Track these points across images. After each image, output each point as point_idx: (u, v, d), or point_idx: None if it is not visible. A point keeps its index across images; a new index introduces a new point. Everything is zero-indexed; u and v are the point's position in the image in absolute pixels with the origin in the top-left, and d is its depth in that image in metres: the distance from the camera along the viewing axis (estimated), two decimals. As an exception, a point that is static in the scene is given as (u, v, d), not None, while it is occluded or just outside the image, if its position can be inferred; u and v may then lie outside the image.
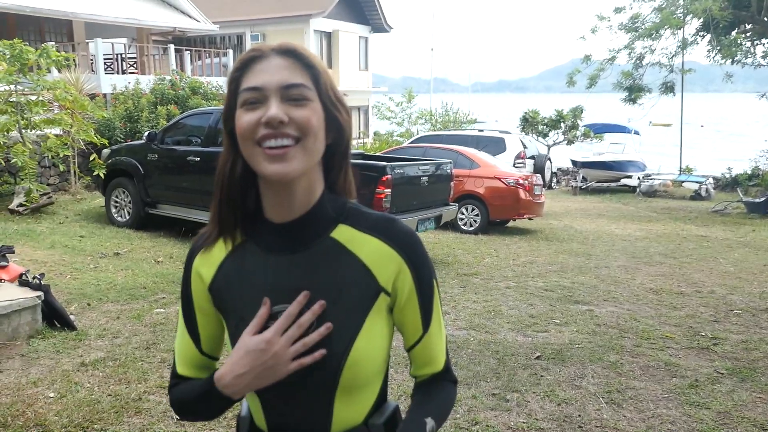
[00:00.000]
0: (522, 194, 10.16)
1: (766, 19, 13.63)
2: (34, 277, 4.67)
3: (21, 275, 4.69)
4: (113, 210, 8.73)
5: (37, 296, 4.48)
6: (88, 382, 3.70)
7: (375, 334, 1.04)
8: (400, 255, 1.04)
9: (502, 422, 3.43)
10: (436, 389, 1.12)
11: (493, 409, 3.58)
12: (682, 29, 14.87)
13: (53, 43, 13.00)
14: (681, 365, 4.35)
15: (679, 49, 15.14)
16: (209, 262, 1.10)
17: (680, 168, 19.60)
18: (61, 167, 10.04)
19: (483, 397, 3.72)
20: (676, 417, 3.55)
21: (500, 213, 10.31)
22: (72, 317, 4.68)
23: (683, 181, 17.91)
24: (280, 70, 0.98)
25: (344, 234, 1.05)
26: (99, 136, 9.95)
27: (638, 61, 15.38)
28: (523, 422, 3.43)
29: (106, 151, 9.15)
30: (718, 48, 14.17)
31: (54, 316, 4.57)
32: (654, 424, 3.46)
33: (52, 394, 3.53)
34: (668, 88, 15.45)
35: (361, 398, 1.07)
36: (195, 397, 1.08)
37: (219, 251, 1.09)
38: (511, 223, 11.00)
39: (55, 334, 4.44)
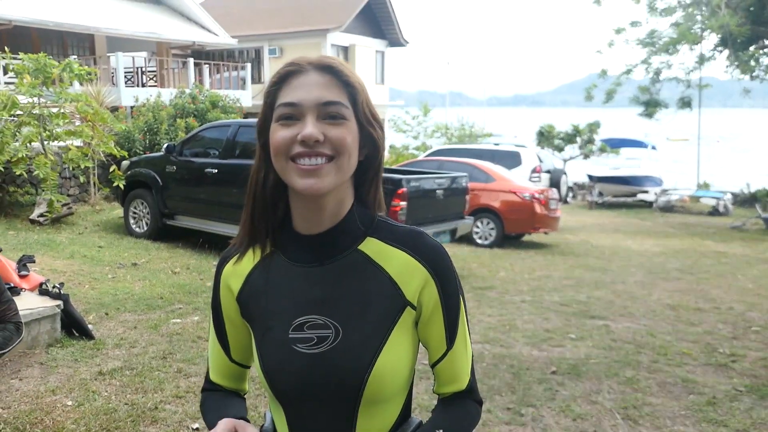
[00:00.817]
0: (537, 208, 10.14)
1: (785, 34, 13.53)
2: (53, 287, 4.73)
3: (41, 284, 4.76)
4: (132, 221, 8.83)
5: (57, 305, 4.54)
6: (105, 391, 3.74)
7: (400, 348, 1.03)
8: (425, 268, 1.04)
9: (517, 437, 3.41)
10: (457, 406, 1.11)
11: (507, 424, 3.57)
12: (699, 44, 14.81)
13: (75, 57, 13.24)
14: (698, 382, 4.30)
15: (697, 65, 15.06)
16: (237, 273, 1.11)
17: (698, 183, 19.44)
18: (82, 178, 10.18)
19: (498, 411, 3.71)
20: (693, 434, 3.51)
21: (515, 227, 10.29)
22: (90, 326, 4.74)
23: (701, 197, 17.75)
24: (317, 86, 0.98)
25: (372, 247, 1.05)
26: (119, 148, 10.09)
27: (655, 76, 15.32)
28: (538, 437, 3.41)
29: (125, 163, 9.28)
30: (736, 63, 14.08)
31: (73, 325, 4.63)
32: (671, 441, 3.42)
33: (69, 403, 3.57)
34: (685, 103, 15.35)
35: (385, 413, 1.06)
36: (205, 419, 1.14)
37: (247, 261, 1.10)
38: (526, 237, 10.97)
39: (74, 342, 4.49)
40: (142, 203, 8.67)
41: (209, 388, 1.19)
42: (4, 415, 3.38)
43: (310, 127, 0.96)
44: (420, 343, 1.11)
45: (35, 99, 9.20)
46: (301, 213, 1.04)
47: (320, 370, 1.02)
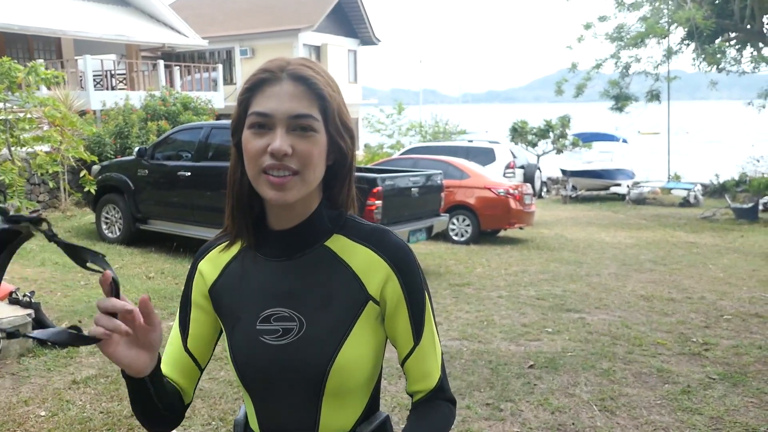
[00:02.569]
0: (512, 204, 10.21)
1: (748, 27, 13.83)
2: (24, 295, 4.64)
3: (11, 293, 4.66)
4: (104, 226, 8.70)
5: (28, 314, 4.45)
6: (79, 400, 3.68)
7: (363, 342, 1.06)
8: (388, 264, 1.07)
9: (496, 432, 3.43)
10: (431, 409, 1.11)
11: (487, 419, 3.59)
12: (666, 38, 15.05)
13: (42, 60, 12.99)
14: (673, 371, 4.37)
15: (665, 58, 15.31)
16: (214, 265, 1.15)
17: (668, 175, 19.76)
18: (51, 184, 10.00)
19: (477, 407, 3.73)
20: (669, 423, 3.56)
21: (491, 223, 10.35)
22: (63, 335, 4.65)
23: (672, 189, 18.05)
24: (290, 98, 1.00)
25: (337, 243, 1.09)
26: (89, 153, 9.92)
27: (624, 70, 15.54)
28: (517, 431, 3.44)
29: (96, 168, 9.13)
30: (703, 56, 14.35)
31: (45, 334, 4.54)
32: (647, 431, 3.47)
33: (43, 413, 3.51)
34: (654, 96, 15.59)
35: (349, 405, 1.08)
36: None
37: (225, 255, 1.15)
38: (502, 233, 11.04)
39: (46, 352, 4.41)
40: (114, 208, 8.55)
41: None
42: (-26, 429, 3.30)
43: (278, 141, 0.99)
44: (389, 342, 1.13)
45: (1, 104, 9.00)
46: (273, 210, 1.09)
47: (285, 361, 1.05)
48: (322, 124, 1.02)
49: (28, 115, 9.34)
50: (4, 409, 3.53)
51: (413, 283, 1.09)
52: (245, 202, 1.09)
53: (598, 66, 15.43)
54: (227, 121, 11.05)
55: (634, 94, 15.78)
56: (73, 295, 5.90)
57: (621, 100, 15.45)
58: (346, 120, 1.07)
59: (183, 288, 1.19)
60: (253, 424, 1.13)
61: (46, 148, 9.72)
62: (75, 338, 0.91)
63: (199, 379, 1.19)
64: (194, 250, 8.38)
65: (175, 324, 1.19)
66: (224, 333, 1.14)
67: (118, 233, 8.54)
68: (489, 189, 10.30)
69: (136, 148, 8.43)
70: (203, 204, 7.51)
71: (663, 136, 22.17)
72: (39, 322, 4.51)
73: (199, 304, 1.16)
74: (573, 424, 3.54)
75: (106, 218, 8.68)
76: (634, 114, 15.89)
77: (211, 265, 1.15)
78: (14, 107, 9.39)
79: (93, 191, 8.72)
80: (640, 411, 3.72)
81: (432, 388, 1.12)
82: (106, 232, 8.66)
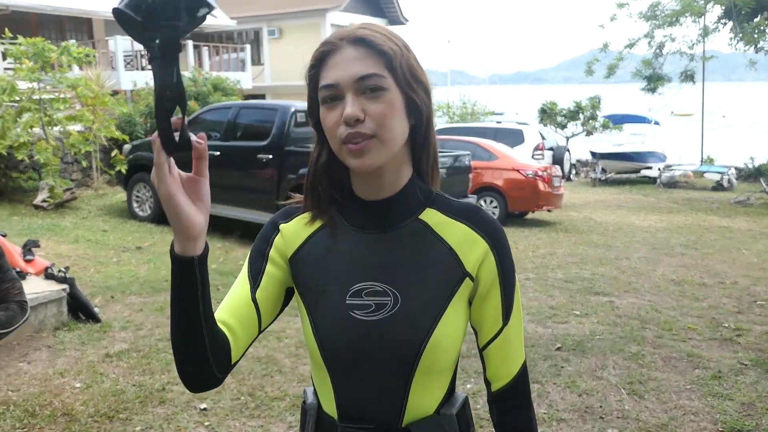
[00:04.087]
0: (541, 186, 10.10)
1: (790, 5, 13.35)
2: (59, 271, 4.75)
3: (46, 269, 4.78)
4: (135, 205, 8.84)
5: (63, 289, 4.56)
6: (113, 373, 3.77)
7: (456, 319, 1.03)
8: (485, 241, 1.05)
9: (523, 413, 3.43)
10: (519, 418, 1.09)
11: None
12: (703, 16, 14.63)
13: (74, 41, 13.16)
14: (703, 356, 4.31)
15: (701, 37, 14.90)
16: (295, 234, 1.10)
17: (701, 158, 19.33)
18: (84, 163, 10.17)
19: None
20: (698, 408, 3.52)
21: (519, 205, 10.26)
22: (96, 309, 4.76)
23: (704, 172, 17.65)
24: (352, 62, 0.98)
25: (432, 217, 1.06)
26: (120, 132, 10.06)
27: (658, 50, 15.16)
28: (544, 413, 3.43)
29: (127, 147, 9.27)
30: (741, 35, 13.92)
31: (79, 309, 4.65)
32: (676, 415, 3.44)
33: (78, 385, 3.60)
34: (688, 76, 15.20)
35: (436, 386, 1.05)
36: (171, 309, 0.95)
37: (308, 226, 1.10)
38: (530, 215, 10.95)
39: (80, 326, 4.52)
40: (145, 186, 8.67)
41: None
42: (13, 398, 3.41)
43: (350, 107, 0.96)
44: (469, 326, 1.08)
45: (35, 84, 9.16)
46: (361, 182, 1.06)
47: (377, 337, 1.01)
48: (392, 80, 0.99)
49: (61, 95, 9.50)
50: (41, 381, 3.64)
51: (507, 263, 1.07)
52: (320, 178, 1.06)
53: (630, 45, 15.08)
54: (256, 101, 11.11)
55: (667, 74, 15.42)
56: (106, 272, 6.02)
57: (654, 80, 15.10)
58: (417, 73, 1.02)
59: (256, 242, 1.11)
60: (329, 407, 1.07)
61: (78, 127, 9.88)
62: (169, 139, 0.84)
63: (253, 341, 1.07)
64: (222, 228, 8.45)
65: (243, 275, 1.09)
66: (302, 307, 1.07)
67: (149, 211, 8.67)
68: (517, 170, 10.20)
69: (166, 128, 8.51)
70: (232, 183, 7.57)
71: (696, 118, 21.68)
72: (74, 297, 4.62)
73: (276, 262, 1.09)
74: (600, 406, 3.52)
75: (137, 197, 8.81)
76: (668, 95, 15.53)
77: (294, 232, 1.10)
78: (48, 87, 9.55)
79: (124, 170, 8.86)
80: (669, 395, 3.68)
81: (515, 373, 1.09)
82: (137, 210, 8.80)
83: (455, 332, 1.03)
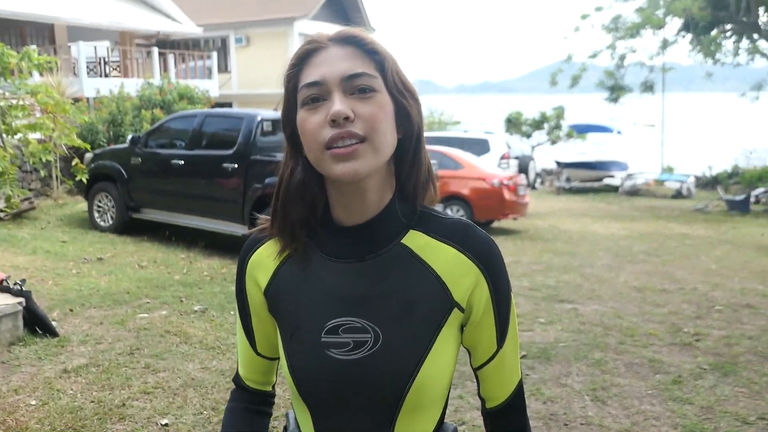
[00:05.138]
0: (506, 194, 10.21)
1: (744, 19, 13.81)
2: (15, 283, 4.61)
3: (2, 281, 4.63)
4: (96, 215, 8.65)
5: (18, 302, 4.42)
6: (70, 389, 3.66)
7: (444, 353, 0.95)
8: (477, 266, 0.95)
9: (488, 421, 3.44)
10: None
11: (479, 409, 3.59)
12: (662, 29, 15.05)
13: (35, 47, 12.87)
14: (664, 362, 4.39)
15: (660, 49, 15.31)
16: (266, 265, 1.01)
17: (662, 167, 19.81)
18: (43, 172, 9.86)
19: (469, 396, 3.73)
20: (660, 413, 3.58)
21: (485, 213, 10.34)
22: (54, 323, 4.63)
23: (665, 181, 18.09)
24: (340, 60, 0.89)
25: (416, 240, 0.96)
26: (81, 141, 9.84)
27: (620, 61, 15.54)
28: (509, 421, 3.44)
29: (88, 156, 9.06)
30: (698, 48, 14.35)
31: (35, 323, 4.52)
32: (638, 420, 3.49)
33: (33, 402, 3.49)
34: (648, 87, 15.61)
35: (423, 421, 0.97)
36: None
37: (276, 255, 1.00)
38: (495, 224, 11.05)
39: (37, 340, 4.39)
40: (107, 196, 8.50)
41: (237, 385, 1.13)
42: (-36, 417, 3.29)
43: (338, 104, 0.87)
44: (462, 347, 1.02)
45: (-8, 91, 8.91)
46: (342, 202, 0.95)
47: (357, 378, 0.92)
48: (382, 83, 0.90)
49: (21, 102, 9.26)
50: (-5, 398, 3.52)
51: (501, 284, 0.98)
52: (293, 198, 0.95)
53: (593, 56, 15.43)
54: (222, 109, 11.00)
55: (629, 85, 15.80)
56: (65, 284, 5.87)
57: (616, 90, 15.46)
58: (407, 82, 0.94)
59: (236, 282, 1.07)
60: None
61: (38, 135, 9.64)
62: None
63: (278, 364, 1.09)
64: (187, 238, 8.32)
65: (239, 329, 1.08)
66: (279, 338, 1.02)
67: (110, 222, 8.50)
68: (483, 179, 10.29)
69: (130, 136, 8.37)
70: (197, 193, 7.46)
71: (658, 128, 22.21)
72: (30, 311, 4.48)
73: (258, 312, 1.04)
74: (565, 413, 3.55)
75: (99, 207, 8.63)
76: (629, 105, 15.91)
77: (262, 264, 1.01)
78: (6, 94, 9.30)
79: (85, 180, 8.66)
80: (632, 401, 3.74)
81: (510, 393, 1.03)
82: (98, 220, 8.61)
83: (444, 365, 0.95)
